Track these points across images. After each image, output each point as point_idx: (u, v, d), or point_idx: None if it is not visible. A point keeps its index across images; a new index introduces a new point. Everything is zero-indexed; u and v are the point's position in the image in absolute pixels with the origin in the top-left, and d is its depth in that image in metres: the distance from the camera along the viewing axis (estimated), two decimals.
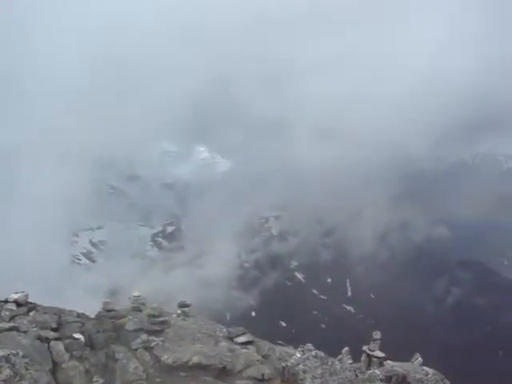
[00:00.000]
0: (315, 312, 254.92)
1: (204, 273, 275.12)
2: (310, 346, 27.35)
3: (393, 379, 27.49)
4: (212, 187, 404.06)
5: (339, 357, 28.56)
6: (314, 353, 24.21)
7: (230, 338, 27.50)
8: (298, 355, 24.66)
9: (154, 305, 27.33)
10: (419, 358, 31.62)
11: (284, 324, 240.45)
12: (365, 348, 29.73)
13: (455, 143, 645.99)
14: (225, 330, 28.55)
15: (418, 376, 28.98)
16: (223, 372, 24.33)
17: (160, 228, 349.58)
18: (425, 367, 30.82)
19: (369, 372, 26.77)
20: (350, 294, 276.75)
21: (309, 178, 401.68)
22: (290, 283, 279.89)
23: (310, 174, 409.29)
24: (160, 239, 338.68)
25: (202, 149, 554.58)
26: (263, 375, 24.73)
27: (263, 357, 26.69)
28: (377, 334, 29.63)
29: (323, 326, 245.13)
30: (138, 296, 29.11)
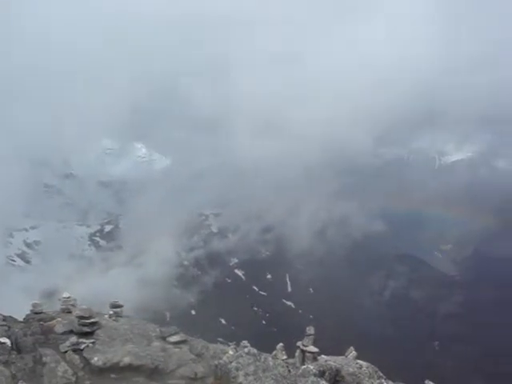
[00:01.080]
0: (255, 308, 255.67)
1: (143, 272, 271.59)
2: (245, 342, 27.25)
3: (326, 374, 27.63)
4: (150, 185, 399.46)
5: (274, 353, 28.57)
6: (246, 350, 24.16)
7: (163, 338, 27.20)
8: (231, 353, 24.59)
9: (84, 306, 26.74)
10: (353, 352, 31.94)
11: (224, 321, 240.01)
12: (299, 343, 29.83)
13: (392, 140, 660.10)
14: (158, 329, 28.23)
15: (351, 369, 29.28)
16: (155, 372, 24.02)
17: (97, 227, 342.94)
18: (359, 360, 31.16)
19: (302, 367, 26.86)
20: (289, 289, 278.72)
21: (248, 175, 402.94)
22: (229, 280, 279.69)
23: (249, 171, 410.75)
24: (97, 238, 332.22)
25: (139, 146, 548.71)
26: (196, 374, 24.57)
27: (196, 355, 26.51)
28: (310, 330, 29.72)
29: (264, 322, 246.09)
30: (68, 297, 28.46)
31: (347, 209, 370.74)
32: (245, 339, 28.25)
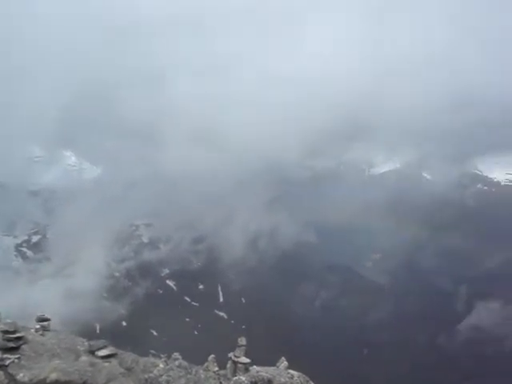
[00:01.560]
0: (187, 319, 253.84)
1: (72, 283, 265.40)
2: (176, 354, 26.92)
3: None
4: (80, 194, 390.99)
5: (205, 364, 28.36)
6: (177, 362, 23.90)
7: (92, 352, 26.52)
8: (162, 366, 24.23)
9: (9, 320, 25.78)
10: (284, 362, 32.05)
11: (156, 333, 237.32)
12: (230, 354, 29.75)
13: (323, 151, 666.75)
14: (86, 343, 27.54)
15: (283, 380, 29.39)
16: None
17: (25, 237, 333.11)
18: (290, 370, 31.30)
19: (234, 379, 26.77)
20: (221, 299, 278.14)
21: (180, 185, 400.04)
22: (161, 291, 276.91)
23: (181, 181, 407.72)
24: (25, 249, 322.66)
25: (69, 154, 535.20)
26: None
27: (126, 369, 25.94)
28: (242, 340, 29.72)
29: (196, 333, 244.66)
30: None
31: (278, 219, 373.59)
32: (177, 351, 27.91)
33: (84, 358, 25.63)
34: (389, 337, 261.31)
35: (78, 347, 27.04)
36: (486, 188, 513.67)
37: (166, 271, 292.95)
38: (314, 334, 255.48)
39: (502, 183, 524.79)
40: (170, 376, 22.56)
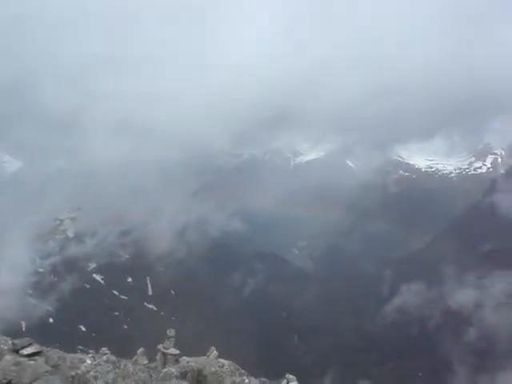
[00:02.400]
0: (116, 313, 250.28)
1: None
2: (105, 349, 26.72)
3: (188, 375, 27.82)
4: (1, 189, 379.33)
5: (135, 358, 28.24)
6: (105, 357, 23.67)
7: (16, 351, 25.90)
8: (89, 362, 23.96)
9: None
10: (214, 351, 32.35)
11: (84, 328, 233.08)
12: (159, 346, 29.73)
13: (249, 140, 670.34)
14: (10, 342, 26.85)
15: (213, 369, 29.70)
16: None
17: None
18: (221, 359, 31.63)
19: (164, 370, 26.81)
20: (150, 292, 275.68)
21: (105, 177, 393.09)
22: (88, 286, 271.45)
23: (106, 173, 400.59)
24: None
25: None
26: None
27: (53, 367, 25.46)
28: (171, 332, 29.76)
29: (125, 326, 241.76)
30: None
31: (206, 209, 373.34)
32: (106, 345, 27.69)
33: (8, 357, 24.97)
34: (317, 321, 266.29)
35: (2, 346, 26.33)
36: (407, 174, 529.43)
37: (93, 265, 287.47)
38: (243, 321, 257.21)
39: (423, 169, 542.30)
40: (97, 372, 22.32)
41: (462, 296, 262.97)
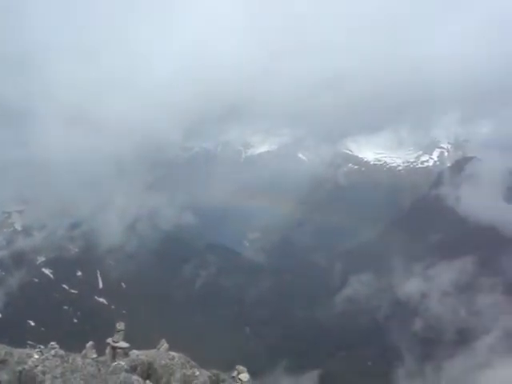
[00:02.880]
0: (66, 307, 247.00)
1: None
2: (53, 344, 26.66)
3: (138, 368, 28.08)
4: None
5: (83, 352, 28.26)
6: (53, 352, 23.72)
7: None
8: (37, 356, 23.94)
9: None
10: (165, 344, 32.65)
11: (33, 323, 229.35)
12: (109, 340, 29.80)
13: (201, 133, 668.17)
14: None
15: (163, 362, 30.03)
16: None
17: None
18: (171, 352, 31.94)
19: (113, 364, 26.97)
20: (101, 285, 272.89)
21: (54, 169, 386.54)
22: (37, 280, 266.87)
23: (55, 165, 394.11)
24: None
25: None
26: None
27: (0, 362, 25.43)
28: (120, 325, 29.88)
29: (75, 320, 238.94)
30: None
31: (157, 202, 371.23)
32: (56, 340, 27.61)
33: None
34: (268, 313, 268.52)
35: None
36: (356, 167, 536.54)
37: (42, 259, 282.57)
38: (195, 314, 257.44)
39: (372, 162, 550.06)
40: (45, 366, 22.40)
41: (410, 286, 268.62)
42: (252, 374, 34.80)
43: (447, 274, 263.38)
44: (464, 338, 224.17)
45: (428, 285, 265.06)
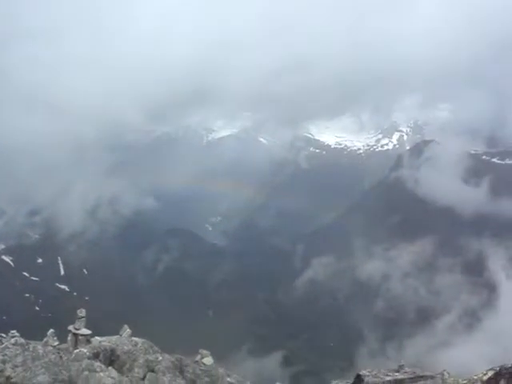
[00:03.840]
0: (27, 295, 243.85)
1: None
2: (14, 332, 26.62)
3: (101, 355, 28.24)
4: None
5: (45, 339, 28.22)
6: (13, 340, 23.71)
7: None
8: None
9: None
10: (128, 330, 32.76)
11: None
12: (70, 327, 29.76)
13: (162, 117, 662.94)
14: None
15: (126, 348, 30.23)
16: None
17: None
18: (134, 338, 32.10)
19: (75, 351, 27.08)
20: (62, 272, 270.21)
21: (12, 155, 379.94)
22: None
23: (13, 150, 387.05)
24: None
25: None
26: None
27: None
28: (81, 312, 29.84)
29: (37, 308, 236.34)
30: None
31: (118, 187, 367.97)
32: (17, 328, 27.53)
33: None
34: (231, 296, 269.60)
35: None
36: (317, 151, 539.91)
37: (2, 246, 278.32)
38: (158, 298, 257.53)
39: (332, 146, 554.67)
40: (5, 355, 22.44)
41: (371, 268, 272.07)
42: (216, 357, 35.26)
43: (407, 255, 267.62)
44: (424, 317, 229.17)
45: (388, 266, 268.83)
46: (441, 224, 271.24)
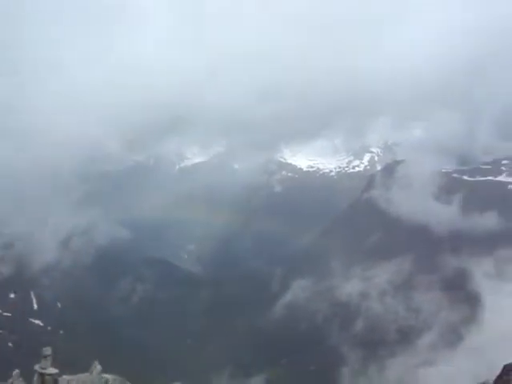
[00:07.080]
0: (0, 331, 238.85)
1: None
2: None
3: None
4: None
5: (10, 380, 26.73)
6: None
7: None
8: None
9: None
10: (98, 366, 31.28)
11: None
12: (36, 367, 28.25)
13: (134, 146, 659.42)
14: None
15: None
16: None
17: None
18: (105, 374, 30.61)
19: None
20: (36, 306, 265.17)
21: None
22: None
23: None
24: None
25: None
26: None
27: None
28: (47, 350, 28.41)
29: (10, 344, 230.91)
30: None
31: (92, 217, 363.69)
32: None
33: None
34: (209, 323, 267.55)
35: None
36: (290, 174, 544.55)
37: None
38: (133, 330, 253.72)
39: (305, 169, 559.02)
40: None
41: (350, 288, 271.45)
42: None
43: (385, 274, 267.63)
44: (405, 336, 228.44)
45: (367, 286, 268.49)
46: (416, 242, 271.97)
